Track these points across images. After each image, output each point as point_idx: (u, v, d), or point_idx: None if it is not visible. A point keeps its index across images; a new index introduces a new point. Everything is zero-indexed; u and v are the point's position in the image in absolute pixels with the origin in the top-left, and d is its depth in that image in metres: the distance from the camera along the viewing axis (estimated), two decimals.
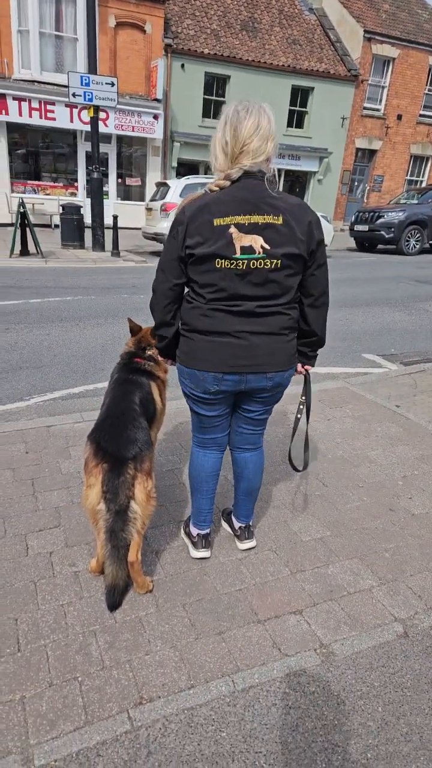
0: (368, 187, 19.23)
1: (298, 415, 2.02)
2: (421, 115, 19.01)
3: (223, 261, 1.49)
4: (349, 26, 17.47)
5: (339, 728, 1.38)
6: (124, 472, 1.58)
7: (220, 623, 1.69)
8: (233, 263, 1.49)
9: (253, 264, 1.49)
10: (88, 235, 10.64)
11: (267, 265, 1.50)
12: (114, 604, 1.70)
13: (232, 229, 1.46)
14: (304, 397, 1.99)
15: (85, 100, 9.83)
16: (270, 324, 1.59)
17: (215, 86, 15.97)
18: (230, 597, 1.80)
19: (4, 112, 13.08)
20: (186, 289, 1.64)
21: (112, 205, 14.60)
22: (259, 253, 1.48)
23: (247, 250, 1.48)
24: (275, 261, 1.51)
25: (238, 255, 1.48)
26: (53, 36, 13.22)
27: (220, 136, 1.51)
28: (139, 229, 12.14)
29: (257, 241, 1.47)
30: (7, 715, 1.37)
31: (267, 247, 1.48)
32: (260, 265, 1.50)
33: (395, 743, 1.35)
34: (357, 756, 1.31)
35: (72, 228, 10.45)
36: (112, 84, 9.98)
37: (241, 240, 1.47)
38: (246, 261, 1.49)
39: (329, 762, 1.30)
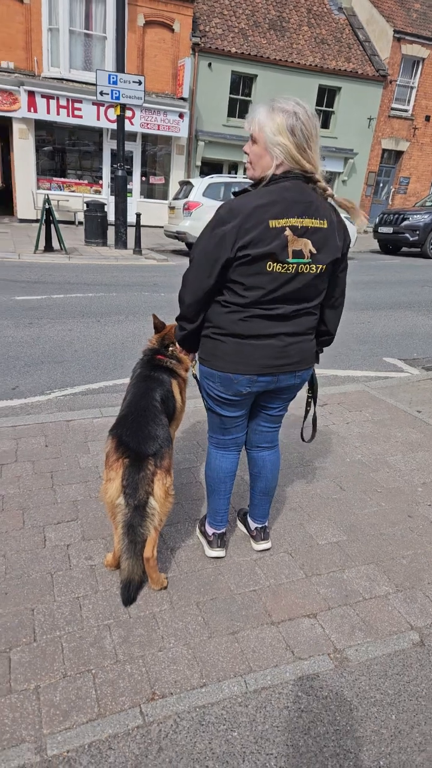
0: (393, 189, 18.92)
1: (308, 408, 2.04)
2: None
3: (275, 264, 1.45)
4: (379, 26, 17.22)
5: (351, 734, 1.36)
6: (144, 468, 1.59)
7: (234, 623, 1.69)
8: (284, 267, 1.46)
9: (301, 269, 1.48)
10: (111, 232, 10.77)
11: (312, 270, 1.49)
12: (129, 599, 1.72)
13: (288, 232, 1.43)
14: (310, 392, 1.99)
15: (112, 98, 9.94)
16: (300, 324, 1.59)
17: (242, 85, 15.95)
18: (244, 597, 1.80)
19: (32, 109, 13.31)
20: (221, 293, 1.57)
21: (135, 203, 14.73)
22: (307, 258, 1.47)
23: (298, 254, 1.46)
24: (321, 266, 1.50)
25: (290, 259, 1.45)
26: (82, 34, 13.39)
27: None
28: (162, 227, 12.22)
29: (307, 245, 1.45)
30: (22, 703, 1.39)
31: (314, 251, 1.47)
32: (306, 269, 1.48)
33: (408, 752, 1.33)
34: (369, 763, 1.30)
35: (95, 225, 10.57)
36: (139, 83, 10.05)
37: (294, 243, 1.44)
38: (295, 265, 1.47)
39: (341, 767, 1.28)
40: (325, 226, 1.47)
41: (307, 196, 1.45)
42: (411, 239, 12.25)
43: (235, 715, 1.39)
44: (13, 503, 2.24)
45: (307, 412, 2.05)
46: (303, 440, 2.22)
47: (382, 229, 12.97)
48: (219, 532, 1.98)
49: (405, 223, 12.35)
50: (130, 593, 1.71)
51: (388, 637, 1.67)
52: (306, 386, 1.99)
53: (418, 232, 12.16)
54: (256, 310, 1.53)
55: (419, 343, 5.35)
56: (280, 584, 1.87)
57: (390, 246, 13.18)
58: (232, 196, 1.55)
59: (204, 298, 1.57)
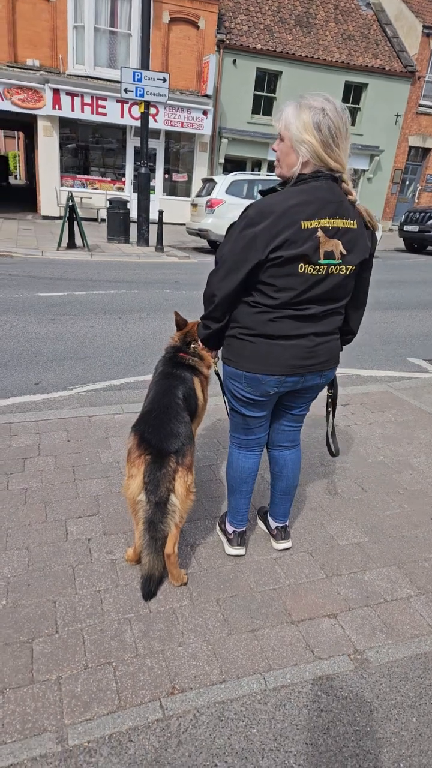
0: (420, 187, 18.52)
1: (328, 408, 2.01)
2: None
3: (307, 266, 1.44)
4: (408, 21, 16.86)
5: (371, 735, 1.35)
6: (165, 465, 1.60)
7: (253, 621, 1.68)
8: (316, 269, 1.45)
9: (332, 270, 1.47)
10: (133, 229, 10.84)
11: (342, 271, 1.48)
12: (149, 593, 1.73)
13: (319, 233, 1.41)
14: (331, 391, 1.97)
15: (136, 95, 9.99)
16: (329, 324, 1.59)
17: (266, 82, 15.84)
18: (264, 596, 1.79)
19: (57, 107, 13.49)
20: (250, 294, 1.55)
21: (158, 200, 14.80)
22: (338, 259, 1.45)
23: (329, 255, 1.44)
24: (351, 267, 1.49)
25: (321, 260, 1.44)
26: (107, 32, 13.48)
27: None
28: (184, 224, 12.25)
29: (338, 246, 1.44)
30: (44, 693, 1.41)
31: (344, 252, 1.45)
32: (337, 270, 1.47)
33: (429, 755, 1.30)
34: (389, 764, 1.28)
35: (118, 222, 10.66)
36: (164, 80, 10.08)
37: (326, 244, 1.43)
38: (327, 266, 1.45)
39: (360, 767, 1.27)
40: (355, 226, 1.46)
41: (338, 196, 1.43)
42: None
43: (255, 712, 1.39)
44: (36, 497, 2.28)
45: (328, 413, 2.02)
46: (332, 455, 2.11)
47: (408, 228, 12.72)
48: (239, 530, 1.98)
49: (431, 221, 12.08)
50: (150, 588, 1.73)
51: (410, 640, 1.64)
52: (326, 388, 1.97)
53: None
54: (287, 310, 1.51)
55: None
56: (300, 584, 1.86)
57: (416, 245, 12.93)
58: (258, 195, 1.54)
59: (231, 298, 1.56)
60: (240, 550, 1.97)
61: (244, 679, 1.48)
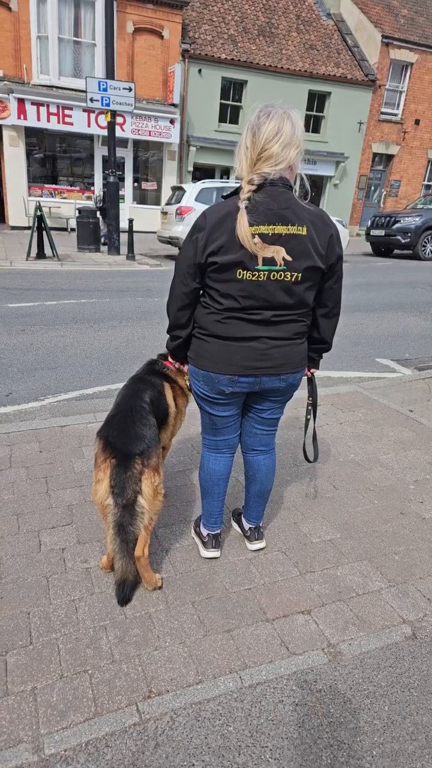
0: (385, 192, 19.10)
1: (308, 416, 2.05)
2: None
3: (244, 272, 1.47)
4: (367, 31, 17.44)
5: (345, 726, 1.38)
6: (131, 467, 1.61)
7: (229, 621, 1.71)
8: (255, 275, 1.47)
9: (274, 276, 1.48)
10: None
11: (287, 278, 1.49)
12: (124, 598, 1.73)
13: (257, 240, 1.43)
14: (311, 398, 2.01)
15: (102, 105, 9.99)
16: (285, 330, 1.61)
17: (232, 91, 16.08)
18: (239, 596, 1.82)
19: (22, 116, 13.35)
20: (202, 295, 1.64)
21: (128, 208, 14.77)
22: (281, 265, 1.46)
23: (269, 261, 1.46)
24: (296, 274, 1.49)
25: (260, 266, 1.46)
26: (72, 41, 13.46)
27: (242, 140, 1.47)
28: (155, 232, 12.26)
29: (280, 253, 1.45)
30: (19, 705, 1.40)
31: (289, 259, 1.46)
32: (280, 277, 1.48)
33: (401, 741, 1.35)
34: (362, 753, 1.32)
35: (88, 231, 10.60)
36: (130, 89, 10.12)
37: (264, 251, 1.44)
38: (267, 272, 1.47)
39: (335, 758, 1.30)
40: (304, 232, 1.46)
41: (282, 203, 1.45)
42: (403, 241, 12.39)
43: (231, 710, 1.41)
44: (7, 509, 2.25)
45: (307, 421, 2.07)
46: (308, 460, 2.19)
47: (375, 232, 13.10)
48: (213, 533, 2.00)
49: (396, 225, 12.48)
50: (125, 593, 1.73)
51: (381, 631, 1.69)
52: (307, 394, 2.02)
53: (409, 235, 12.29)
54: (234, 313, 1.56)
55: (411, 343, 5.41)
56: (275, 582, 1.90)
57: (382, 248, 13.31)
58: (222, 200, 1.59)
59: (189, 302, 1.62)
60: (215, 553, 1.99)
61: (220, 678, 1.50)
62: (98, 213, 10.77)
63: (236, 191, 1.52)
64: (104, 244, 10.93)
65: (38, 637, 1.61)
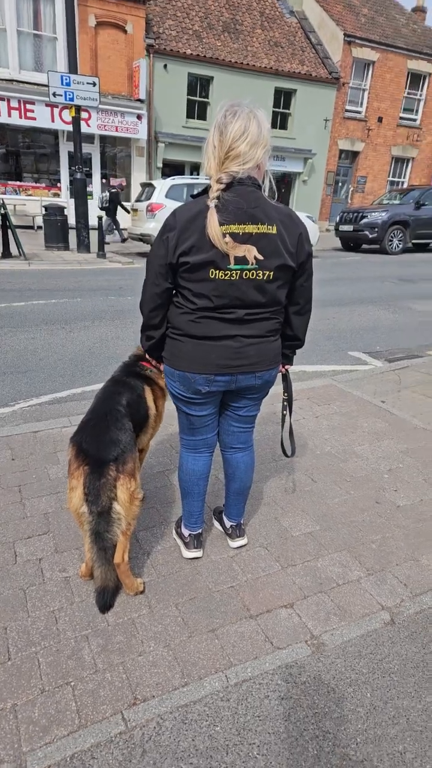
0: (352, 188, 19.44)
1: (284, 412, 2.07)
2: (401, 118, 19.29)
3: (217, 271, 1.47)
4: (330, 30, 17.64)
5: (330, 715, 1.40)
6: (105, 474, 1.57)
7: (213, 620, 1.70)
8: (226, 274, 1.47)
9: (246, 275, 1.48)
10: (72, 236, 10.56)
11: (259, 276, 1.50)
12: (105, 605, 1.70)
13: (228, 239, 1.43)
14: (286, 394, 2.02)
15: (66, 99, 9.75)
16: (258, 328, 1.61)
17: (199, 87, 16.00)
18: (222, 594, 1.82)
19: None
20: (175, 295, 1.62)
21: (96, 205, 14.50)
22: (252, 264, 1.47)
23: (241, 260, 1.46)
24: (268, 272, 1.50)
25: (232, 265, 1.46)
26: (32, 35, 13.08)
27: (210, 139, 1.47)
28: (125, 229, 12.10)
29: (251, 252, 1.45)
30: None
31: (260, 257, 1.47)
32: (253, 275, 1.49)
33: (383, 726, 1.38)
34: (347, 741, 1.34)
35: (56, 229, 10.35)
36: (94, 84, 9.91)
37: (236, 250, 1.44)
38: (239, 272, 1.47)
39: (320, 748, 1.32)
40: (274, 231, 1.48)
41: (253, 202, 1.45)
42: (370, 236, 12.64)
43: (217, 710, 1.40)
44: None
45: (283, 416, 2.08)
46: (286, 455, 2.20)
47: (343, 228, 13.31)
48: (195, 533, 1.99)
49: (364, 221, 12.72)
50: (105, 600, 1.70)
51: (361, 619, 1.72)
52: (282, 390, 2.03)
53: (376, 230, 12.55)
54: (207, 312, 1.55)
55: (382, 336, 5.53)
56: (257, 578, 1.90)
57: (351, 243, 13.54)
58: (191, 198, 1.57)
59: (161, 302, 1.60)
60: (197, 553, 1.98)
61: (206, 679, 1.49)
62: (104, 214, 10.71)
63: (205, 190, 1.50)
64: (107, 243, 10.98)
65: (17, 653, 1.56)
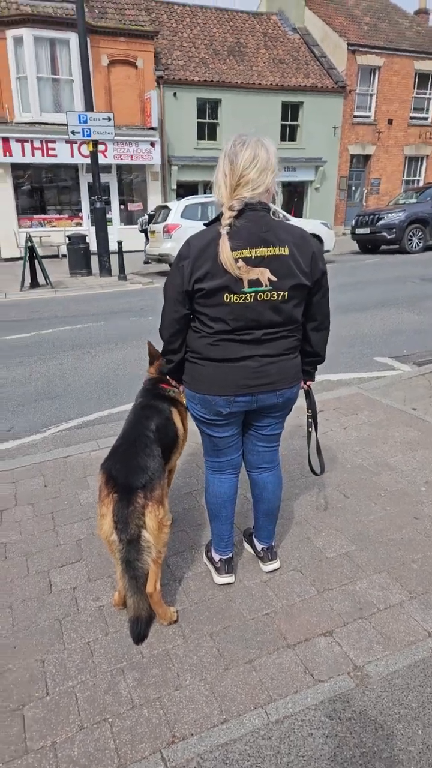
0: (366, 191, 19.29)
1: (309, 429, 2.03)
2: (411, 118, 19.13)
3: (231, 296, 1.50)
4: (333, 41, 17.80)
5: (379, 755, 1.32)
6: (133, 501, 1.57)
7: (249, 651, 1.64)
8: (241, 297, 1.50)
9: (261, 296, 1.51)
10: (95, 261, 10.90)
11: (274, 297, 1.52)
12: (139, 636, 1.67)
13: (240, 263, 1.46)
14: (310, 410, 1.99)
15: (84, 136, 10.20)
16: (276, 347, 1.61)
17: (208, 110, 16.37)
18: (258, 622, 1.76)
19: (8, 154, 13.62)
20: (192, 320, 1.64)
21: (116, 230, 14.91)
22: (266, 286, 1.49)
23: (255, 283, 1.49)
24: (282, 293, 1.52)
25: (246, 288, 1.49)
26: (50, 79, 13.80)
27: (220, 169, 1.51)
28: (143, 250, 12.37)
29: (264, 274, 1.48)
30: (40, 763, 1.34)
31: (274, 279, 1.49)
32: (267, 297, 1.51)
33: None
34: None
35: (79, 256, 10.74)
36: (109, 119, 10.33)
37: (249, 273, 1.47)
38: (254, 294, 1.50)
39: None
40: (286, 252, 1.50)
41: (263, 226, 1.48)
42: (388, 237, 12.44)
43: (259, 749, 1.34)
44: (16, 550, 2.20)
45: (309, 433, 2.04)
46: (314, 473, 2.16)
47: (360, 231, 13.17)
48: (225, 557, 1.95)
49: (381, 222, 12.55)
50: (139, 630, 1.67)
51: (407, 648, 1.63)
52: (306, 407, 1.99)
53: (394, 230, 12.35)
54: (225, 335, 1.57)
55: (407, 339, 5.38)
56: (293, 604, 1.83)
57: (369, 245, 13.37)
58: (203, 226, 1.59)
59: (180, 327, 1.64)
60: (229, 578, 1.94)
61: (245, 716, 1.43)
62: (144, 236, 11.62)
63: (217, 218, 1.54)
64: (146, 262, 11.93)
65: (55, 687, 1.55)
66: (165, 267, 11.37)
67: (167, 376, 1.89)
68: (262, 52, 17.39)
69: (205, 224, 1.59)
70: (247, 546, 2.14)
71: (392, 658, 1.59)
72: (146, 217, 12.88)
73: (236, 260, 1.45)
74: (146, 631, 1.71)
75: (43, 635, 1.74)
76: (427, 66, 18.70)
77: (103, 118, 10.23)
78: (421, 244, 12.68)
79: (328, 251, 11.51)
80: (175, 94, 15.48)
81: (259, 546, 2.03)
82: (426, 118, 19.46)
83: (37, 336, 6.19)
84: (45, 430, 3.58)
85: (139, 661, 1.62)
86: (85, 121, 10.04)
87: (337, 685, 1.51)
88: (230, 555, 1.96)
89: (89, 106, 10.12)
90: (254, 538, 2.05)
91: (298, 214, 18.00)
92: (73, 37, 12.87)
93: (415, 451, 2.93)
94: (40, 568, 2.08)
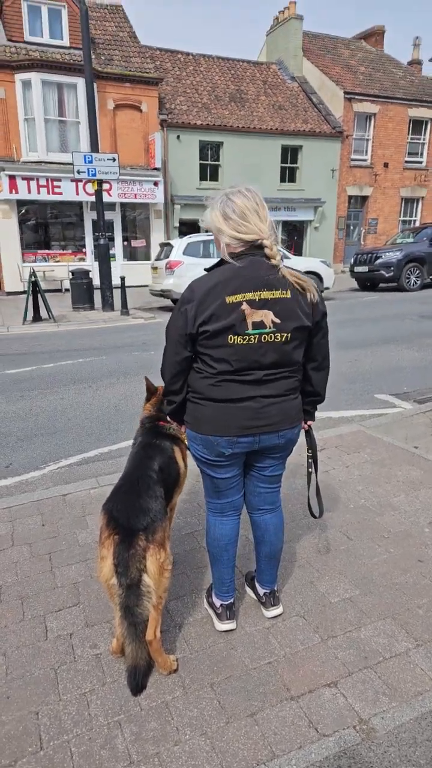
0: (364, 230, 19.91)
1: (309, 469, 2.03)
2: (407, 161, 19.99)
3: (236, 337, 1.54)
4: (330, 90, 18.84)
5: None
6: (134, 545, 1.55)
7: (252, 703, 1.59)
8: (246, 338, 1.54)
9: (265, 338, 1.55)
10: (97, 296, 11.11)
11: (278, 339, 1.56)
12: (137, 687, 1.62)
13: (244, 306, 1.51)
14: (310, 451, 2.00)
15: (89, 175, 10.61)
16: (277, 387, 1.64)
17: (209, 152, 17.14)
18: (260, 672, 1.71)
19: (14, 191, 14.13)
20: (195, 360, 1.67)
21: (119, 266, 15.31)
22: (270, 327, 1.54)
23: (259, 325, 1.54)
24: (285, 334, 1.57)
25: (250, 330, 1.53)
26: (57, 121, 14.49)
27: (213, 225, 1.59)
28: (146, 286, 12.64)
29: (268, 316, 1.53)
30: None
31: (277, 321, 1.54)
32: (271, 338, 1.55)
33: None
34: None
35: (81, 291, 10.96)
36: (114, 159, 10.78)
37: (253, 316, 1.52)
38: (257, 335, 1.54)
39: None
40: (288, 296, 1.55)
41: (264, 271, 1.54)
42: (386, 275, 12.76)
43: None
44: (11, 593, 2.16)
45: (309, 474, 2.04)
46: (313, 516, 2.16)
47: (358, 269, 13.53)
48: (227, 603, 1.91)
49: (379, 261, 12.90)
50: (137, 681, 1.62)
51: (413, 699, 1.58)
52: (306, 447, 2.00)
53: (392, 268, 12.68)
54: (227, 375, 1.60)
55: (408, 376, 5.44)
56: (296, 652, 1.79)
57: (368, 283, 13.69)
58: (204, 271, 1.65)
59: (181, 369, 1.67)
60: (230, 625, 1.89)
61: None
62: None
63: (218, 264, 1.60)
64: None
65: (49, 741, 1.49)
66: (167, 302, 11.62)
67: (168, 417, 1.90)
68: (262, 98, 18.37)
69: (205, 270, 1.64)
70: (249, 590, 2.10)
71: (399, 710, 1.54)
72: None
73: (240, 303, 1.51)
74: (144, 682, 1.66)
75: (38, 685, 1.69)
76: (420, 113, 19.70)
77: (107, 159, 10.69)
78: (418, 282, 12.99)
79: (327, 288, 11.79)
80: (178, 136, 16.24)
81: (261, 590, 1.99)
82: (421, 162, 20.32)
83: (39, 370, 6.25)
84: (44, 466, 3.57)
85: (137, 714, 1.57)
86: (90, 161, 10.48)
87: (342, 739, 1.46)
88: (232, 600, 1.93)
89: (95, 146, 10.59)
90: (256, 582, 2.02)
91: (298, 252, 18.52)
92: (80, 82, 13.57)
93: (417, 490, 2.91)
94: (36, 613, 2.03)
